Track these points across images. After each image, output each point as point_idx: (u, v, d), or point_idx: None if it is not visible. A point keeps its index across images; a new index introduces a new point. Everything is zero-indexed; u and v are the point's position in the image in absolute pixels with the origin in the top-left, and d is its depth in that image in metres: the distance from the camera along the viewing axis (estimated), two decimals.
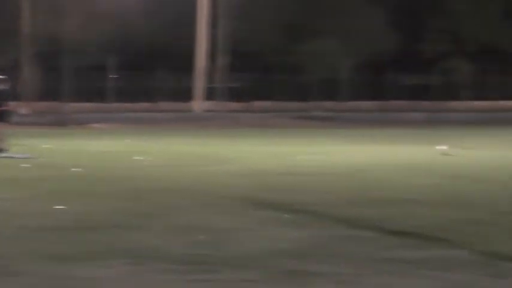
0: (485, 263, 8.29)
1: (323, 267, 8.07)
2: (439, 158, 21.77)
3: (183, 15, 54.05)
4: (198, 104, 50.70)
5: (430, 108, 56.66)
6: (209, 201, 13.00)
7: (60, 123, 38.47)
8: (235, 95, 60.23)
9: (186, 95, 53.09)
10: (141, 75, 52.78)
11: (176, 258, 8.40)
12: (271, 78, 61.57)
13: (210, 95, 55.00)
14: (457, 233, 10.07)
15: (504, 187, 15.33)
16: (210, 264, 8.13)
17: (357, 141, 28.39)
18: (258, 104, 61.48)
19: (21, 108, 36.11)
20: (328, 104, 59.13)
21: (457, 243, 9.39)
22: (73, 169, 17.71)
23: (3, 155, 20.14)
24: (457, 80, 57.33)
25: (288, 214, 11.54)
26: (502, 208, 12.43)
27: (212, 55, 56.11)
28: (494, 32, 64.97)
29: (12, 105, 23.07)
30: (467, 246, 9.16)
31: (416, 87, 74.58)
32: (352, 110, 56.00)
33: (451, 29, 64.78)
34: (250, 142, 28.37)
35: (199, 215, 11.54)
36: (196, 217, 11.31)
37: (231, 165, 19.45)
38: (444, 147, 21.17)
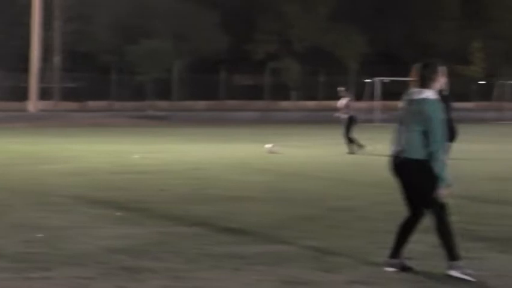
0: (316, 257, 8.37)
1: (156, 263, 7.98)
2: (270, 156, 22.05)
3: (18, 15, 52.90)
4: (33, 104, 49.53)
5: (262, 107, 57.48)
6: (42, 199, 12.63)
7: None
8: (71, 95, 59.36)
9: (21, 94, 51.93)
10: None
11: (11, 256, 8.17)
12: (106, 78, 60.97)
13: (45, 94, 53.95)
14: (290, 229, 10.16)
15: (331, 184, 15.66)
16: (45, 262, 7.95)
17: (191, 140, 28.41)
18: (93, 103, 60.73)
19: None
20: (163, 103, 59.09)
21: (290, 238, 9.46)
22: None
23: None
24: (286, 80, 58.34)
25: (120, 212, 11.35)
26: (330, 204, 12.67)
27: (47, 55, 55.06)
28: (322, 34, 66.51)
29: None
30: (300, 242, 9.26)
31: (249, 87, 75.45)
32: (186, 109, 56.12)
33: (280, 31, 65.94)
34: (85, 141, 27.89)
35: (33, 213, 11.18)
36: (30, 216, 10.95)
37: (65, 164, 19.02)
38: (270, 146, 21.36)
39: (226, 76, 61.05)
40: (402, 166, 7.64)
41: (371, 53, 70.36)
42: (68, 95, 56.41)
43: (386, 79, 55.71)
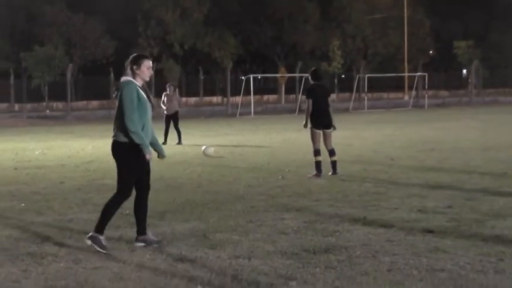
0: (202, 236, 8.39)
1: (59, 248, 7.87)
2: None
3: None
4: None
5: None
6: None
7: None
8: None
9: None
10: None
11: None
12: (5, 82, 59.41)
13: None
14: (177, 213, 10.17)
15: (211, 170, 15.70)
16: None
17: (86, 136, 28.06)
18: None
19: None
20: (59, 104, 57.99)
21: (178, 221, 9.48)
22: None
23: None
24: (169, 79, 58.10)
25: (24, 203, 11.12)
26: (212, 188, 12.75)
27: None
28: (198, 38, 66.64)
29: None
30: (186, 224, 9.29)
31: None
32: (80, 109, 55.23)
33: (161, 36, 65.77)
34: None
35: None
36: None
37: None
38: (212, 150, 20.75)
39: (114, 77, 60.42)
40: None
41: (243, 53, 70.93)
42: None
43: (259, 76, 56.26)
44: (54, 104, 59.20)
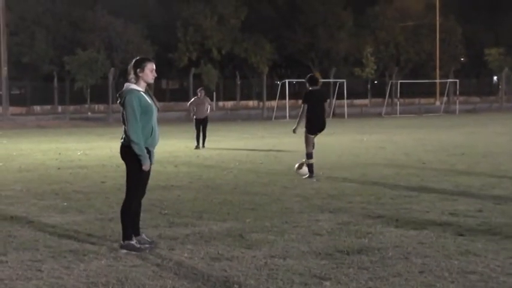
0: (238, 236, 8.39)
1: (100, 246, 7.92)
2: (195, 150, 22.07)
3: None
4: None
5: (187, 108, 57.17)
6: None
7: None
8: (17, 101, 58.28)
9: None
10: None
11: None
12: (49, 85, 60.16)
13: None
14: (214, 213, 10.17)
15: (247, 172, 15.71)
16: (0, 248, 7.81)
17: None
18: (37, 108, 59.83)
19: None
20: (100, 106, 58.50)
21: (214, 221, 9.48)
22: None
23: None
24: (207, 83, 58.32)
25: (66, 202, 11.21)
26: (248, 189, 12.75)
27: None
28: (235, 43, 66.87)
29: None
30: (223, 223, 9.29)
31: (175, 90, 75.12)
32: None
33: (199, 41, 66.07)
34: (31, 141, 27.38)
35: None
36: None
37: (13, 161, 18.63)
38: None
39: (154, 81, 60.83)
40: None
41: (279, 59, 71.01)
42: (13, 101, 55.30)
43: (294, 81, 56.26)
44: (96, 106, 59.74)
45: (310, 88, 14.45)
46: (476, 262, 7.01)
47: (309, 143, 14.38)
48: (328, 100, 15.33)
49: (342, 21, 69.97)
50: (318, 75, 15.34)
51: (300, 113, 14.44)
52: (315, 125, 14.30)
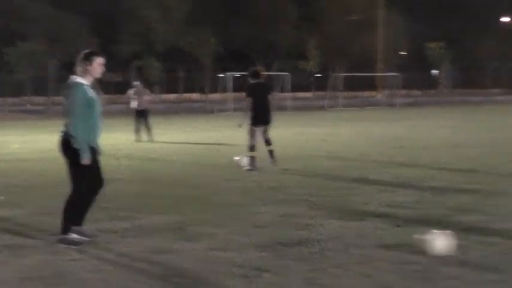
0: (178, 229, 8.37)
1: (37, 240, 7.83)
2: (137, 143, 21.92)
3: None
4: None
5: (129, 100, 56.68)
6: None
7: None
8: None
9: None
10: None
11: None
12: None
13: None
14: (154, 206, 10.14)
15: (186, 165, 15.69)
16: None
17: None
18: None
19: None
20: (40, 98, 57.65)
21: (154, 214, 9.45)
22: None
23: None
24: (149, 76, 57.96)
25: (3, 196, 11.04)
26: (187, 182, 12.74)
27: None
28: (179, 36, 66.53)
29: None
30: (163, 216, 9.27)
31: (117, 83, 74.40)
32: (61, 104, 54.74)
33: (142, 33, 65.57)
34: None
35: None
36: None
37: None
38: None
39: None
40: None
41: (223, 52, 70.93)
42: None
43: (237, 74, 56.27)
44: (36, 99, 58.85)
45: (253, 81, 14.51)
46: (413, 253, 7.12)
47: (252, 136, 14.42)
48: (274, 93, 15.42)
49: (286, 15, 70.15)
50: (260, 68, 15.37)
51: (245, 107, 14.49)
52: (258, 118, 14.37)
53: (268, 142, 14.61)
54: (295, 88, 59.05)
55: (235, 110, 44.29)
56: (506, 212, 9.23)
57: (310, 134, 23.80)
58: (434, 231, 7.19)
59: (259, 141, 14.53)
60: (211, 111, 46.16)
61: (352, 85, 70.21)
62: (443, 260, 6.82)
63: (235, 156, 14.42)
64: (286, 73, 49.55)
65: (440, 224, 8.49)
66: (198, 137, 23.48)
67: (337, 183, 12.15)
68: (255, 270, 6.53)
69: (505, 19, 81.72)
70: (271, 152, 14.60)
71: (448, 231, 7.18)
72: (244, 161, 14.29)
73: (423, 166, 14.54)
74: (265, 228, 8.42)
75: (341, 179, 12.69)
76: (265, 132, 14.64)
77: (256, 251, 7.28)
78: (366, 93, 71.70)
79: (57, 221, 8.18)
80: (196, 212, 9.45)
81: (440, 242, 6.98)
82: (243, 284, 6.15)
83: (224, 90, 47.02)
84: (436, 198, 10.39)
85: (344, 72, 61.70)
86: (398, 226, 8.41)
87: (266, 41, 69.74)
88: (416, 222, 8.64)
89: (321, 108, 48.58)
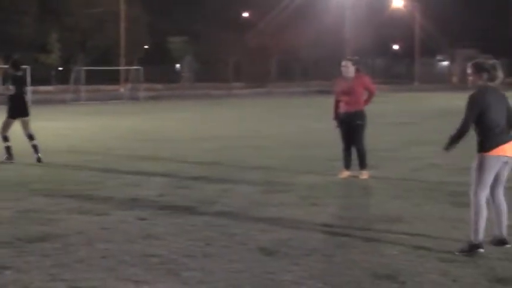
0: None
1: None
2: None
3: None
4: None
5: None
6: None
7: None
8: None
9: None
10: None
11: None
12: None
13: None
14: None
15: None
16: None
17: None
18: None
19: None
20: None
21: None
22: None
23: None
24: None
25: None
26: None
27: None
28: None
29: None
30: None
31: None
32: None
33: None
34: None
35: None
36: None
37: None
38: None
39: None
40: None
41: None
42: None
43: None
44: None
45: (17, 73, 14.39)
46: (157, 245, 7.22)
47: (7, 127, 14.27)
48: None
49: (27, 6, 67.66)
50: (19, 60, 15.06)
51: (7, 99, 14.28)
52: (17, 109, 14.13)
53: (31, 137, 14.28)
54: (36, 82, 57.15)
55: None
56: (244, 204, 9.63)
57: (51, 128, 23.16)
58: None
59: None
60: None
61: (95, 79, 69.28)
62: (185, 252, 6.98)
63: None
64: (27, 66, 47.79)
65: (182, 216, 8.69)
66: None
67: (80, 178, 12.00)
68: None
69: (245, 14, 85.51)
70: (35, 147, 14.25)
71: None
72: None
73: (167, 159, 14.76)
74: (4, 224, 8.14)
75: (84, 174, 12.55)
76: (26, 128, 14.30)
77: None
78: (110, 87, 71.13)
79: None
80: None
81: None
82: None
83: None
84: (179, 191, 10.60)
85: (87, 66, 60.71)
86: (143, 219, 8.48)
87: (5, 33, 66.79)
88: (160, 215, 8.76)
89: (63, 102, 47.49)
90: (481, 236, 6.84)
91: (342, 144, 12.12)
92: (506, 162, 6.90)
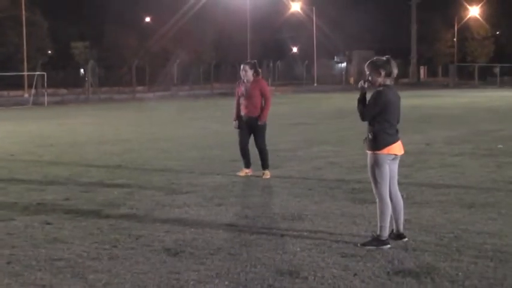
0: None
1: None
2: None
3: None
4: None
5: None
6: None
7: None
8: None
9: None
10: None
11: None
12: None
13: None
14: None
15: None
16: None
17: None
18: None
19: None
20: None
21: None
22: None
23: None
24: None
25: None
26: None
27: None
28: None
29: None
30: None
31: None
32: None
33: None
34: None
35: None
36: None
37: None
38: None
39: None
40: None
41: None
42: None
43: None
44: None
45: None
46: (63, 249, 7.10)
47: None
48: None
49: None
50: None
51: None
52: None
53: None
54: None
55: None
56: (149, 206, 9.58)
57: None
58: None
59: None
60: None
61: None
62: (91, 255, 6.88)
63: None
64: None
65: (88, 219, 8.57)
66: None
67: None
68: None
69: (147, 19, 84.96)
70: None
71: None
72: None
73: (71, 164, 14.51)
74: None
75: None
76: None
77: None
78: (13, 93, 69.32)
79: None
80: None
81: None
82: None
83: None
84: (84, 195, 10.44)
85: None
86: (48, 223, 8.32)
87: None
88: (66, 219, 8.61)
89: None
90: (388, 232, 7.00)
91: (238, 144, 12.19)
92: (393, 159, 7.10)
